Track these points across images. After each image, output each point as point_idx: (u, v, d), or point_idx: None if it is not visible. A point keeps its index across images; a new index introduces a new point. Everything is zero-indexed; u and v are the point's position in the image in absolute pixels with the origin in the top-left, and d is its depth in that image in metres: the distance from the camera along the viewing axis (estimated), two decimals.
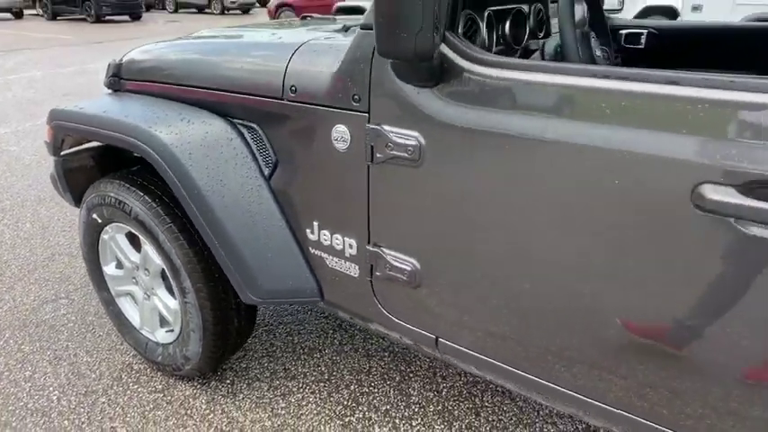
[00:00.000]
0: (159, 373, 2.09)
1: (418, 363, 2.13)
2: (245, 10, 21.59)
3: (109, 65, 2.00)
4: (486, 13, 1.50)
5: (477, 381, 2.04)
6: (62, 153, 1.99)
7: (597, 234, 1.02)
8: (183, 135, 1.56)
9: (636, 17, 8.53)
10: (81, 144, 2.03)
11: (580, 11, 1.60)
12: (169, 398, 1.97)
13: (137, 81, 1.90)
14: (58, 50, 11.32)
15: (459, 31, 1.34)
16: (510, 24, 1.63)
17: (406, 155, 1.21)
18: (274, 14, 14.48)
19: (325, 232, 1.49)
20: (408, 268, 1.33)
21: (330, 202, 1.43)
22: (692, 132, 0.88)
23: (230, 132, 1.57)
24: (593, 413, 1.18)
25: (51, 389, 2.01)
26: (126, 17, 18.93)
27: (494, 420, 1.86)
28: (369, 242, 1.39)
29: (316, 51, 1.38)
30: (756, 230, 0.85)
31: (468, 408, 1.92)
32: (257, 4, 22.17)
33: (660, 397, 1.05)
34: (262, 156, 1.55)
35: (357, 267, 1.45)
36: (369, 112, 1.25)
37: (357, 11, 9.15)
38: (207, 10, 21.68)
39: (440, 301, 1.32)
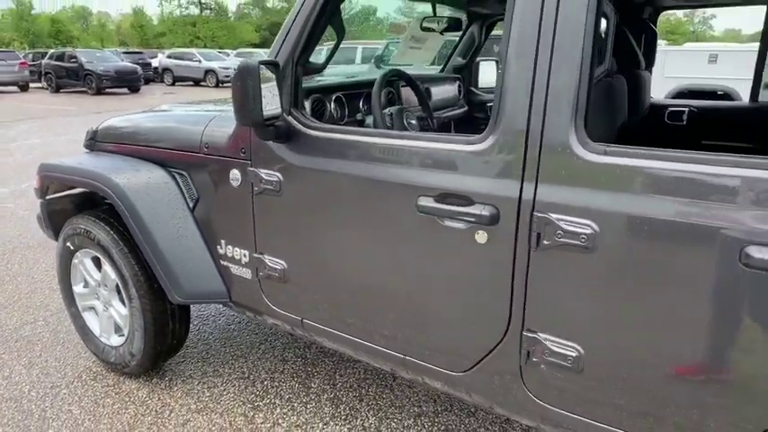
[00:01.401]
0: (112, 373, 2.59)
1: (322, 365, 2.65)
2: None
3: (87, 131, 2.64)
4: (333, 96, 2.18)
5: (367, 377, 2.55)
6: (47, 197, 2.59)
7: (381, 237, 1.61)
8: (132, 180, 2.17)
9: None
10: (62, 191, 2.63)
11: (404, 93, 2.29)
12: (118, 390, 2.47)
13: (107, 143, 2.53)
14: (58, 120, 12.21)
15: (307, 107, 2.00)
16: (349, 103, 2.30)
17: (271, 187, 1.82)
18: None
19: (230, 247, 2.07)
20: (279, 268, 1.91)
21: (231, 224, 2.03)
22: (407, 163, 1.50)
23: (166, 177, 2.19)
24: (396, 363, 1.73)
25: (23, 384, 2.51)
26: (125, 90, 20.13)
27: (373, 404, 2.37)
28: (256, 251, 1.98)
29: (221, 121, 2.02)
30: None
31: (354, 396, 2.42)
32: None
33: (419, 339, 1.61)
34: (188, 193, 2.16)
35: (249, 271, 2.03)
36: (251, 160, 1.88)
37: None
38: (202, 83, 23.05)
39: (301, 291, 1.90)
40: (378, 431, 2.20)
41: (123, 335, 2.47)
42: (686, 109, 2.69)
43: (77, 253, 2.52)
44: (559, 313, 1.35)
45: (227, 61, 23.44)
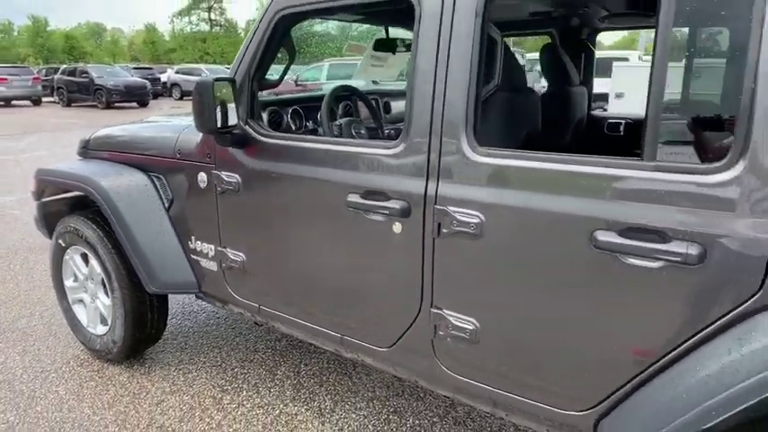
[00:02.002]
0: (97, 360, 2.83)
1: (290, 356, 2.88)
2: None
3: (80, 140, 2.92)
4: (290, 109, 2.44)
5: (330, 366, 2.77)
6: (43, 200, 2.87)
7: (319, 230, 1.86)
8: (116, 183, 2.44)
9: None
10: (57, 194, 2.90)
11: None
12: (101, 374, 2.71)
13: (97, 150, 2.81)
14: (66, 133, 12.62)
15: (265, 118, 2.27)
16: (307, 115, 2.57)
17: (231, 188, 2.08)
18: None
19: (198, 242, 2.32)
20: (239, 259, 2.16)
21: (200, 221, 2.29)
22: (337, 165, 1.74)
23: (146, 180, 2.45)
24: (337, 343, 1.96)
25: (17, 368, 2.76)
26: (134, 104, 20.66)
27: (331, 389, 2.59)
28: (220, 245, 2.23)
29: (192, 130, 2.28)
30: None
31: (315, 382, 2.65)
32: None
33: (351, 320, 1.85)
34: (164, 194, 2.42)
35: (215, 264, 2.28)
36: (215, 164, 2.14)
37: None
38: None
39: (257, 280, 2.14)
40: (332, 412, 2.42)
41: (107, 324, 2.72)
42: (623, 121, 2.94)
43: (68, 250, 2.78)
44: (458, 291, 1.58)
45: None
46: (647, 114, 1.24)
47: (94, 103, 20.24)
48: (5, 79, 20.27)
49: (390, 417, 2.38)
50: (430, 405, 2.46)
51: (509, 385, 1.56)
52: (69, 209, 2.95)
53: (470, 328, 1.57)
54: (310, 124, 2.57)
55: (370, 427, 2.31)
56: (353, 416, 2.39)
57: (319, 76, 13.25)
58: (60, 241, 2.78)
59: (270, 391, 2.57)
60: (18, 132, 12.78)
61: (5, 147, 10.45)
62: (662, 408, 1.24)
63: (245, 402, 2.48)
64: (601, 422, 1.40)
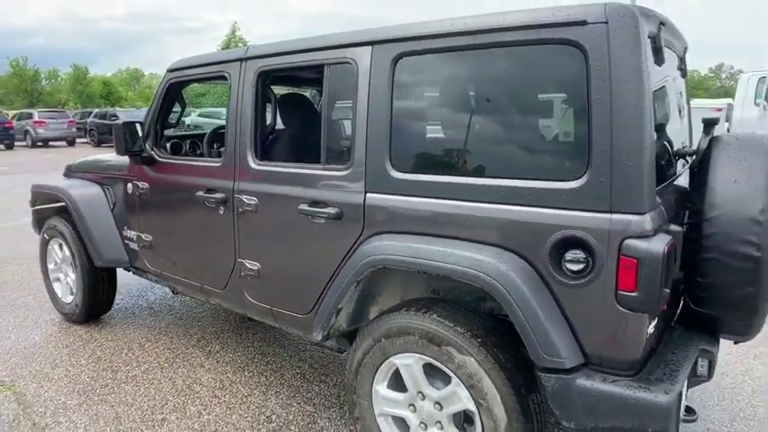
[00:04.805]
0: (67, 322, 3.94)
1: (200, 324, 3.93)
2: None
3: (65, 165, 4.12)
4: (187, 142, 3.60)
5: (227, 328, 3.81)
6: (35, 207, 4.06)
7: (188, 219, 2.95)
8: (80, 192, 3.60)
9: None
10: (47, 202, 4.08)
11: None
12: (66, 330, 3.81)
13: (75, 172, 3.99)
14: None
15: (168, 147, 3.41)
16: (194, 145, 3.71)
17: (145, 192, 3.20)
18: None
19: (128, 230, 3.44)
20: (149, 240, 3.26)
21: (128, 216, 3.41)
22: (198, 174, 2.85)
23: (100, 191, 3.61)
24: (198, 290, 3.02)
25: (10, 327, 3.88)
26: None
27: (222, 340, 3.62)
28: (139, 231, 3.34)
29: (127, 158, 3.43)
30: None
31: (213, 335, 3.68)
32: None
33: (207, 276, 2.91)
34: (110, 199, 3.56)
35: (137, 245, 3.38)
36: (136, 176, 3.27)
37: None
38: None
39: (159, 253, 3.23)
40: (218, 353, 3.45)
41: (73, 294, 3.84)
42: None
43: (50, 241, 3.94)
44: (248, 247, 2.65)
45: None
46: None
47: None
48: (44, 122, 22.46)
49: (256, 356, 3.40)
50: (287, 348, 3.47)
51: (277, 303, 2.59)
52: (55, 213, 4.13)
53: (256, 268, 2.62)
54: (201, 150, 3.72)
55: (239, 360, 3.34)
56: (231, 355, 3.41)
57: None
58: (45, 235, 3.94)
59: (180, 340, 3.62)
60: (47, 169, 14.41)
61: (33, 180, 11.95)
62: (330, 298, 2.26)
63: (161, 347, 3.54)
64: (315, 318, 2.42)
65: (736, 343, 2.30)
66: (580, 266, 1.70)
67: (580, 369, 1.73)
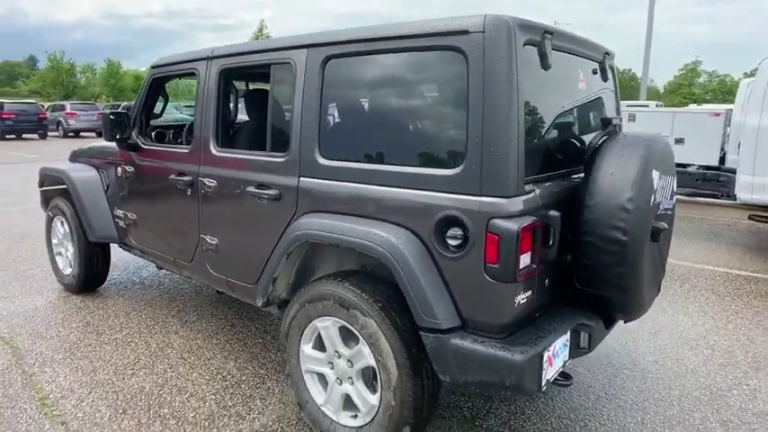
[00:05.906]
0: (67, 292, 4.36)
1: (177, 300, 4.31)
2: None
3: (71, 151, 4.55)
4: (171, 131, 3.96)
5: (204, 303, 4.17)
6: (43, 188, 4.50)
7: (166, 203, 3.32)
8: (79, 175, 4.01)
9: None
10: (53, 183, 4.52)
11: None
12: (65, 298, 4.23)
13: (79, 157, 4.41)
14: None
15: (152, 135, 3.78)
16: (176, 134, 4.08)
17: (131, 174, 3.58)
18: None
19: (118, 210, 3.83)
20: (134, 218, 3.64)
21: (118, 196, 3.80)
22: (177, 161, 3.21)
23: (96, 174, 4.01)
24: (172, 263, 3.38)
25: (16, 293, 4.32)
26: None
27: (200, 312, 3.99)
28: (127, 210, 3.72)
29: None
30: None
31: (193, 309, 4.05)
32: None
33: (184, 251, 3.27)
34: (104, 181, 3.96)
35: (125, 223, 3.77)
36: (124, 161, 3.66)
37: None
38: None
39: (141, 229, 3.61)
40: (194, 322, 3.81)
41: (72, 266, 4.26)
42: None
43: (54, 218, 4.37)
44: (207, 224, 2.99)
45: None
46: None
47: None
48: (75, 114, 23.44)
49: (226, 326, 3.75)
50: (256, 322, 3.82)
51: (232, 274, 2.93)
52: (59, 194, 4.56)
53: (215, 243, 2.96)
54: (182, 138, 4.09)
55: (210, 329, 3.69)
56: (204, 324, 3.78)
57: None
58: (50, 213, 4.38)
59: (162, 311, 4.00)
60: None
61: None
62: (268, 268, 2.59)
63: (143, 315, 3.92)
64: (257, 285, 2.74)
65: (625, 322, 2.55)
66: (458, 242, 1.98)
67: (456, 330, 2.01)
